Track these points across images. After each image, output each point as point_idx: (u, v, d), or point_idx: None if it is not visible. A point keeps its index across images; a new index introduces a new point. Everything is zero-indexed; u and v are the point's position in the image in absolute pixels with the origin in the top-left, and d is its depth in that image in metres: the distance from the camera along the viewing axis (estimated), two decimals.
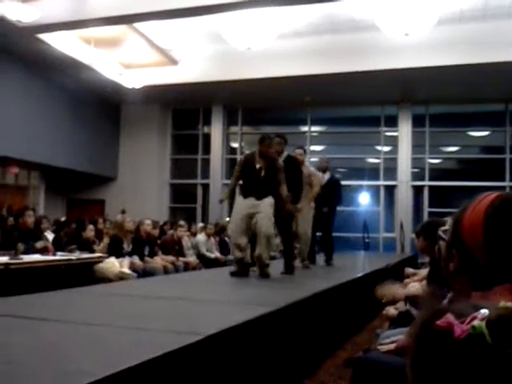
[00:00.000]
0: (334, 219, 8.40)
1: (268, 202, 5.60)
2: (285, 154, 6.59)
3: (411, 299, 3.32)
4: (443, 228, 1.18)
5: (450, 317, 0.70)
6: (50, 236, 8.23)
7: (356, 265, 9.24)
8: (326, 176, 8.18)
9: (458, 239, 1.08)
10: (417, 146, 14.56)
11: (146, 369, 1.95)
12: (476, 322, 0.67)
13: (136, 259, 8.42)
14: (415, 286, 4.13)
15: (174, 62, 13.09)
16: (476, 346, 0.66)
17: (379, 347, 2.69)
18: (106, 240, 8.44)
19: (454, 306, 0.75)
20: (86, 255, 7.66)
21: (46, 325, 2.71)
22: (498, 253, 1.02)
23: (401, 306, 3.57)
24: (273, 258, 9.72)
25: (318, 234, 8.13)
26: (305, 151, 7.76)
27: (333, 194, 8.12)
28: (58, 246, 7.81)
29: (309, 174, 7.28)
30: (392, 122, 14.79)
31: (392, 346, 2.52)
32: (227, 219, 13.62)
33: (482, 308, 0.70)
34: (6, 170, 13.64)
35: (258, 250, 5.58)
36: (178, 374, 2.21)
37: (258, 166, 5.65)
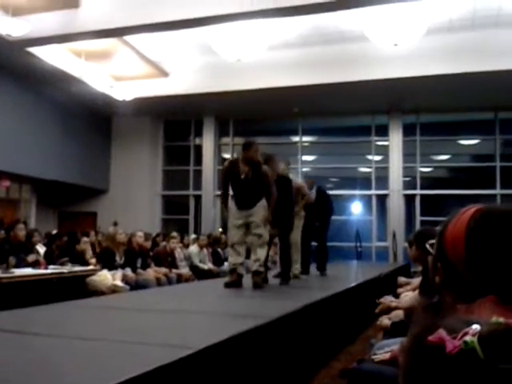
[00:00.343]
0: (328, 230, 8.39)
1: (262, 208, 5.53)
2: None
3: (407, 312, 3.32)
4: (431, 241, 1.19)
5: (441, 332, 0.70)
6: (41, 249, 8.19)
7: (349, 274, 9.24)
8: (313, 191, 8.10)
9: (442, 253, 1.08)
10: (408, 155, 14.62)
11: (139, 383, 1.94)
12: (468, 338, 0.67)
13: (129, 271, 8.39)
14: (408, 295, 4.13)
15: (164, 73, 13.11)
16: (468, 361, 0.66)
17: (373, 357, 2.69)
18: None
19: (446, 321, 0.75)
20: (77, 268, 7.63)
21: (38, 339, 2.69)
22: (479, 266, 1.02)
23: (395, 315, 3.56)
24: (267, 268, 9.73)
25: (311, 243, 8.11)
26: (288, 163, 7.44)
27: (323, 206, 8.10)
28: (50, 259, 7.77)
29: (296, 188, 6.93)
30: (383, 131, 14.85)
31: (386, 356, 2.52)
32: (220, 230, 13.61)
33: (474, 323, 0.70)
34: None
35: (253, 258, 5.57)
36: None
37: (242, 176, 5.51)
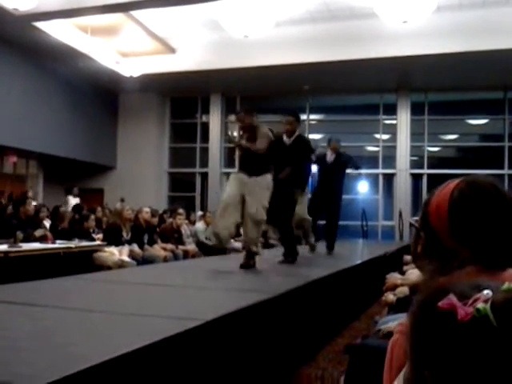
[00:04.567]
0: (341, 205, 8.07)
1: (261, 182, 5.18)
2: (296, 133, 6.13)
3: (413, 288, 3.33)
4: (415, 218, 1.22)
5: (452, 298, 0.69)
6: (47, 224, 8.24)
7: (355, 253, 9.25)
8: (333, 156, 7.82)
9: (426, 222, 1.10)
10: (415, 134, 14.53)
11: (145, 354, 1.96)
12: (480, 305, 0.66)
13: (135, 247, 8.43)
14: (414, 272, 4.14)
15: (171, 50, 13.03)
16: (481, 329, 0.65)
17: (381, 327, 2.71)
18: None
19: (456, 285, 0.74)
20: (85, 243, 7.67)
21: (45, 311, 2.71)
22: (462, 235, 1.04)
23: (399, 292, 3.57)
24: (271, 246, 9.76)
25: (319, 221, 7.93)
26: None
27: (341, 178, 7.86)
28: (55, 232, 7.80)
29: None
30: (391, 110, 14.76)
31: (392, 326, 2.52)
32: None
33: (484, 288, 0.69)
34: (4, 158, 13.62)
35: (245, 236, 5.30)
36: (177, 359, 2.22)
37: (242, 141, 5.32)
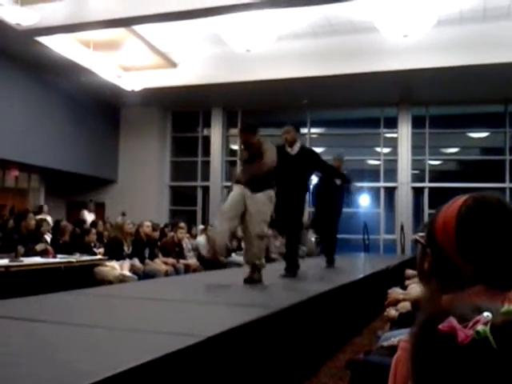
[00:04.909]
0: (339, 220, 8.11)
1: (263, 198, 5.16)
2: (297, 144, 6.16)
3: (415, 303, 3.31)
4: (420, 234, 1.21)
5: (452, 320, 0.69)
6: (49, 238, 8.24)
7: (356, 267, 9.22)
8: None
9: (432, 238, 1.09)
10: (417, 148, 14.54)
11: (146, 370, 1.95)
12: (480, 327, 0.66)
13: (136, 262, 8.42)
14: (415, 287, 4.12)
15: (173, 64, 13.09)
16: (481, 351, 0.65)
17: (384, 344, 2.69)
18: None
19: (456, 308, 0.74)
20: (86, 257, 7.66)
21: (45, 327, 2.70)
22: (469, 252, 1.03)
23: (402, 307, 3.56)
24: (273, 260, 9.73)
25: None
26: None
27: (342, 194, 7.92)
28: (56, 246, 7.79)
29: None
30: (392, 123, 14.78)
31: (395, 341, 2.51)
32: None
33: (484, 311, 0.69)
34: (6, 172, 13.64)
35: (248, 252, 5.27)
36: (179, 375, 2.20)
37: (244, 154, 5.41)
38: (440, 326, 0.69)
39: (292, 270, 5.93)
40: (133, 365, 1.90)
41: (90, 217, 12.22)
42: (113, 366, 1.85)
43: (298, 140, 6.23)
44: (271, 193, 5.26)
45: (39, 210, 11.31)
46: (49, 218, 9.99)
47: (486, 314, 0.69)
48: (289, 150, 6.09)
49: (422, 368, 0.72)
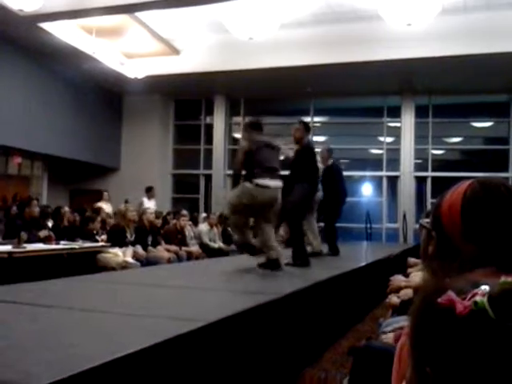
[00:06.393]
0: (336, 211, 8.06)
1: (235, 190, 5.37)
2: (305, 141, 6.22)
3: (416, 290, 3.32)
4: (426, 220, 1.21)
5: (451, 294, 0.70)
6: (50, 225, 8.26)
7: (359, 255, 9.24)
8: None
9: (438, 222, 1.10)
10: (420, 137, 14.50)
11: (147, 355, 1.96)
12: (478, 298, 0.68)
13: (139, 248, 8.45)
14: (418, 274, 4.13)
15: (176, 51, 13.05)
16: (479, 321, 0.67)
17: (382, 337, 2.70)
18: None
19: (454, 283, 0.75)
20: (88, 244, 7.68)
21: (49, 311, 2.72)
22: (474, 235, 1.04)
23: (404, 294, 3.57)
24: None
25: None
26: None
27: (332, 185, 7.87)
28: (57, 233, 7.82)
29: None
30: (395, 112, 14.73)
31: (391, 336, 2.53)
32: None
33: (482, 285, 0.70)
34: (9, 159, 13.64)
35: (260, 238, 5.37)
36: (181, 359, 2.21)
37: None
38: (439, 300, 0.70)
39: (299, 259, 5.83)
40: (135, 349, 1.91)
41: (106, 207, 11.65)
42: (115, 350, 1.86)
43: (305, 138, 6.28)
44: (245, 185, 5.25)
45: (100, 198, 11.71)
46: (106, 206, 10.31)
47: (483, 287, 0.70)
48: (291, 146, 6.33)
49: (421, 343, 0.73)
